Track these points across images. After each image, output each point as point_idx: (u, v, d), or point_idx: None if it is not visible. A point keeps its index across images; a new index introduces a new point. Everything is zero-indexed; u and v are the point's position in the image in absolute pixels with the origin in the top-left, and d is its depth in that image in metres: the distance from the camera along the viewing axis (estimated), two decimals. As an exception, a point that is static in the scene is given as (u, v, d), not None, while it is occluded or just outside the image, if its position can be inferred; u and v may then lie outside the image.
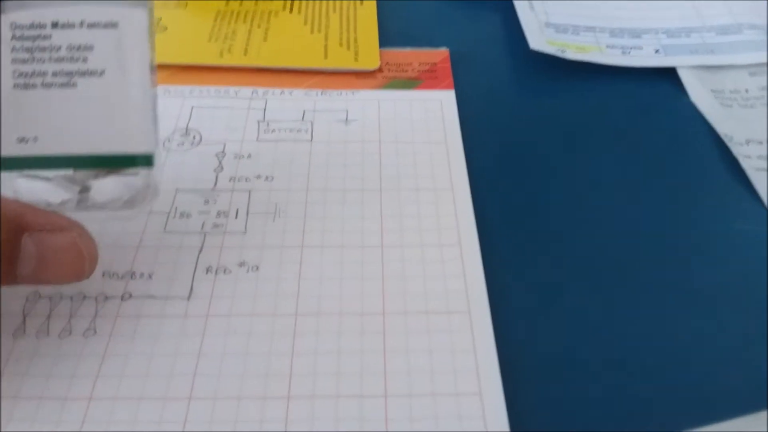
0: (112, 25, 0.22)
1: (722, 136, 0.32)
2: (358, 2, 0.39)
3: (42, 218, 0.21)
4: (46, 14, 0.22)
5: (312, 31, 0.37)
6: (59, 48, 0.22)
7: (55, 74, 0.22)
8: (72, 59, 0.22)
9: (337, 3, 0.39)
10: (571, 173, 0.31)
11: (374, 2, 0.39)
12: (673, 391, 0.23)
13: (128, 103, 0.22)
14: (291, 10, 0.38)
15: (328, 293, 0.25)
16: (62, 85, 0.22)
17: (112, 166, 0.23)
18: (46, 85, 0.22)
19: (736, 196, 0.30)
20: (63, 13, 0.22)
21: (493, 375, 0.22)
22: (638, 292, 0.26)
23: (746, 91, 0.35)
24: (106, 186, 0.23)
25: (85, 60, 0.22)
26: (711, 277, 0.27)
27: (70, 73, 0.22)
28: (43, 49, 0.22)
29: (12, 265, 0.21)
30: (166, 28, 0.36)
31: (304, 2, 0.39)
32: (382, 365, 0.23)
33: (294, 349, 0.23)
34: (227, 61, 0.34)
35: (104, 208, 0.23)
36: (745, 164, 0.31)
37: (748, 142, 0.32)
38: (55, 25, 0.22)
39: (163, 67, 0.34)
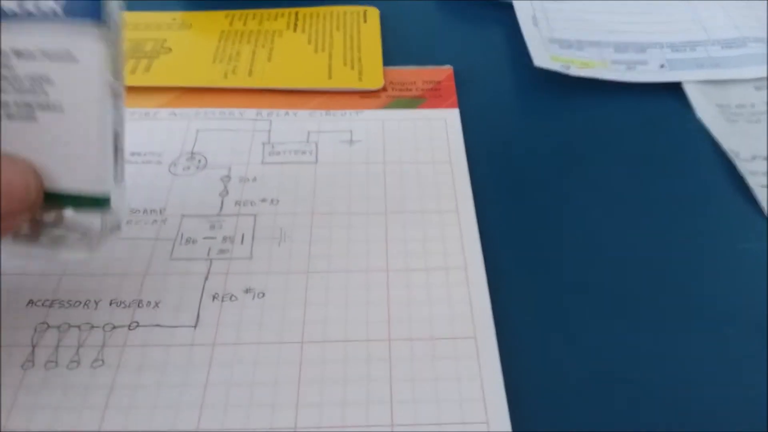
0: (69, 56, 0.21)
1: (728, 152, 0.32)
2: (362, 20, 0.39)
3: None
4: (7, 41, 0.21)
5: (316, 51, 0.37)
6: (22, 78, 0.21)
7: (17, 105, 0.21)
8: (33, 91, 0.21)
9: (341, 21, 0.39)
10: (577, 192, 0.31)
11: (377, 19, 0.39)
12: (682, 413, 0.23)
13: (85, 141, 0.21)
14: (295, 28, 0.38)
15: (333, 319, 0.25)
16: (24, 118, 0.21)
17: (66, 205, 0.22)
18: (9, 117, 0.21)
19: (741, 213, 0.30)
20: (22, 41, 0.21)
21: (500, 404, 0.22)
22: (645, 312, 0.26)
23: (752, 105, 0.35)
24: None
25: (45, 93, 0.21)
26: (715, 294, 0.27)
27: (30, 106, 0.21)
28: (6, 79, 0.21)
29: None
30: (170, 50, 0.36)
31: (308, 21, 0.39)
32: (388, 394, 0.23)
33: (300, 377, 0.23)
34: (232, 82, 0.34)
35: (56, 243, 0.22)
36: (751, 181, 0.31)
37: (753, 158, 0.32)
38: (17, 54, 0.21)
39: (168, 89, 0.34)
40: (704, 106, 0.35)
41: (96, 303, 0.25)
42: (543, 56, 0.35)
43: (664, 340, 0.25)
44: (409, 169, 0.31)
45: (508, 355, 0.24)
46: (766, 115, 0.34)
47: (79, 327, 0.24)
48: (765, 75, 0.36)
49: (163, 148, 0.31)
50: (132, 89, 0.34)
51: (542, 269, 0.27)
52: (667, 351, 0.25)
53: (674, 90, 0.36)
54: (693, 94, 0.35)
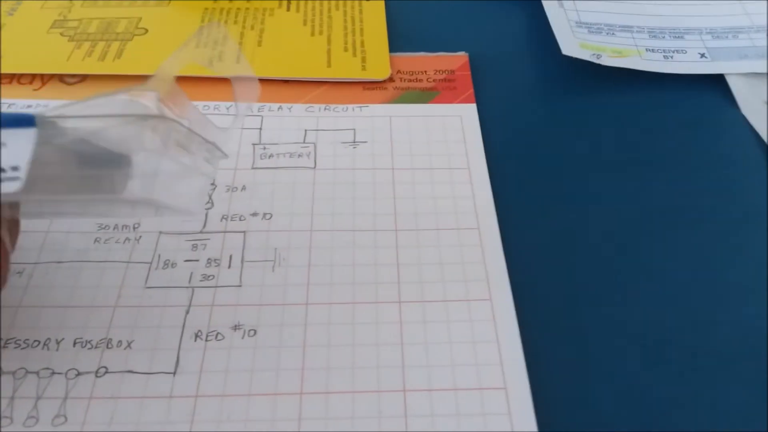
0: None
1: (778, 155, 0.28)
2: (364, -3, 0.35)
3: None
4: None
5: (313, 34, 0.32)
6: None
7: None
8: None
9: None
10: (611, 197, 0.27)
11: (382, -3, 0.35)
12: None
13: None
14: (288, 7, 0.34)
15: (338, 364, 0.21)
16: None
17: None
18: None
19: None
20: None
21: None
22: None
23: (804, 102, 0.31)
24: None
25: None
26: (760, 299, 0.24)
27: None
28: None
29: None
30: (146, 31, 0.32)
31: (303, -2, 0.34)
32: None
33: (299, 439, 0.20)
34: (217, 71, 0.30)
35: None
36: (806, 190, 0.27)
37: (808, 163, 0.28)
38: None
39: (143, 78, 0.30)
40: (749, 102, 0.31)
41: (58, 342, 0.21)
42: (571, 43, 0.31)
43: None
44: (421, 177, 0.27)
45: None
46: (820, 114, 0.30)
47: (37, 373, 0.21)
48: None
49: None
50: (100, 78, 0.30)
51: (572, 289, 0.24)
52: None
53: (716, 82, 0.32)
54: (737, 87, 0.31)
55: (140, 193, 0.17)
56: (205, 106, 0.29)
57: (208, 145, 0.19)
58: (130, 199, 0.17)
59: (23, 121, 0.15)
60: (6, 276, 0.19)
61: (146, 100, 0.17)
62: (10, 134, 0.15)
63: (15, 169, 0.15)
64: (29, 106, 0.28)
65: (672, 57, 0.32)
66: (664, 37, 0.33)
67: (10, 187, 0.15)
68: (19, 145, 0.15)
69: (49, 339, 0.21)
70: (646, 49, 0.32)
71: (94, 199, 0.17)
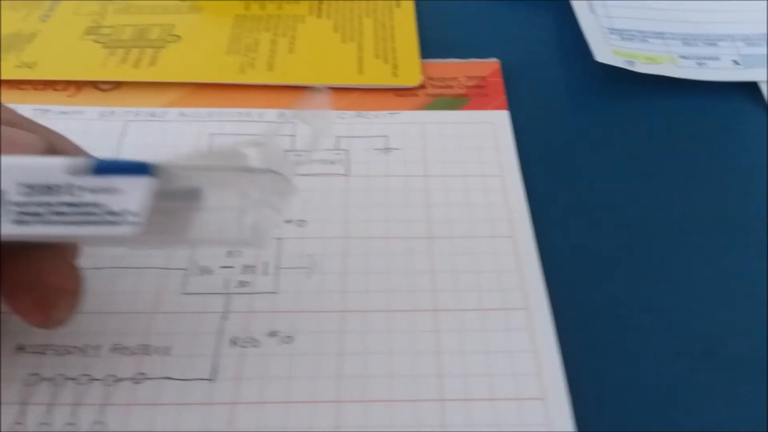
0: None
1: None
2: (394, 4, 0.35)
3: None
4: None
5: (344, 40, 0.32)
6: None
7: None
8: None
9: (370, 5, 0.35)
10: (646, 203, 0.27)
11: (412, 4, 0.35)
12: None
13: None
14: (319, 14, 0.34)
15: (375, 372, 0.21)
16: None
17: None
18: None
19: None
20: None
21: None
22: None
23: (841, 110, 0.30)
24: None
25: None
26: None
27: None
28: None
29: None
30: (179, 38, 0.32)
31: (333, 5, 0.34)
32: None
33: (338, 447, 0.20)
34: (250, 78, 0.30)
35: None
36: None
37: None
38: None
39: (177, 85, 0.30)
40: (785, 109, 0.30)
41: (96, 349, 0.21)
42: (604, 50, 0.31)
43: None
44: (453, 184, 0.27)
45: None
46: None
47: (75, 379, 0.21)
48: None
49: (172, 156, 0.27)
50: (135, 85, 0.30)
51: (610, 297, 0.24)
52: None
53: (750, 89, 0.32)
54: (772, 94, 0.31)
55: (211, 231, 0.17)
56: (238, 113, 0.29)
57: (281, 179, 0.19)
58: (204, 241, 0.19)
59: (142, 169, 0.16)
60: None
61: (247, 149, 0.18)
62: (128, 181, 0.16)
63: (130, 214, 0.16)
64: (64, 113, 0.29)
65: (705, 64, 0.32)
66: (697, 44, 0.33)
67: (125, 231, 0.16)
68: (136, 192, 0.16)
69: (87, 345, 0.22)
70: (680, 56, 0.32)
71: (169, 240, 0.18)
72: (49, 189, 0.15)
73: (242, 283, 0.23)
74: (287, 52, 0.31)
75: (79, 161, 0.16)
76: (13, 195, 0.15)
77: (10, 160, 0.16)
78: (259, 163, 0.17)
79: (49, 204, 0.15)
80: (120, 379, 0.21)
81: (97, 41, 0.31)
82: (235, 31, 0.32)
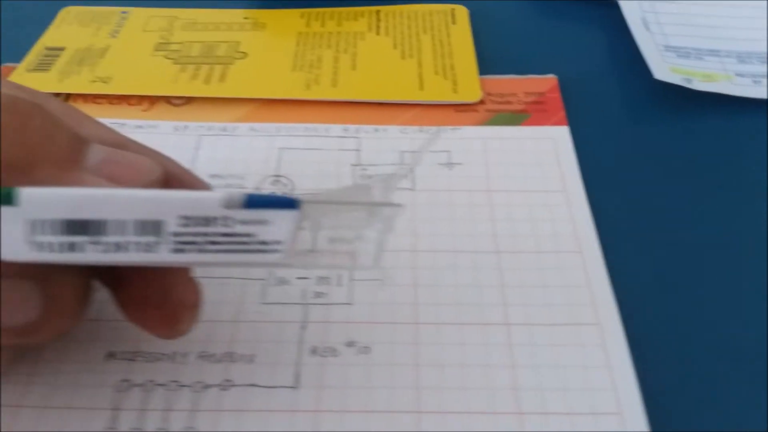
0: None
1: None
2: (450, 21, 0.36)
3: None
4: None
5: (403, 57, 0.33)
6: None
7: None
8: None
9: (427, 21, 0.36)
10: (708, 218, 0.27)
11: (467, 20, 0.36)
12: None
13: None
14: (378, 30, 0.35)
15: (450, 385, 0.22)
16: None
17: None
18: None
19: None
20: None
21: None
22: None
23: None
24: None
25: None
26: None
27: None
28: None
29: None
30: (245, 55, 0.33)
31: (391, 22, 0.35)
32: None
33: (419, 456, 0.20)
34: (315, 94, 0.31)
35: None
36: None
37: None
38: None
39: (245, 101, 0.31)
40: (842, 127, 0.31)
41: (184, 356, 0.22)
42: (662, 67, 0.31)
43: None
44: (517, 199, 0.27)
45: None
46: None
47: (166, 386, 0.22)
48: None
49: (244, 170, 0.28)
50: (205, 100, 0.31)
51: (683, 312, 0.24)
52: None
53: (809, 106, 0.32)
54: (829, 112, 0.31)
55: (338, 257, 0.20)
56: (305, 128, 0.30)
57: (397, 210, 0.20)
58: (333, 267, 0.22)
59: (289, 204, 0.17)
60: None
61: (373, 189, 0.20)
62: (276, 214, 0.17)
63: (278, 243, 0.17)
64: (139, 126, 0.30)
65: (761, 82, 0.32)
66: (752, 62, 0.33)
67: (274, 258, 0.18)
68: (284, 224, 0.17)
69: (175, 352, 0.23)
70: (735, 74, 0.32)
71: (306, 263, 0.20)
72: (206, 221, 0.17)
73: (318, 294, 0.24)
74: (350, 68, 0.32)
75: (234, 196, 0.17)
76: (173, 226, 0.17)
77: (170, 195, 0.17)
78: (382, 196, 0.19)
79: (205, 234, 0.17)
80: (208, 386, 0.22)
81: (167, 57, 0.33)
82: (298, 48, 0.33)
